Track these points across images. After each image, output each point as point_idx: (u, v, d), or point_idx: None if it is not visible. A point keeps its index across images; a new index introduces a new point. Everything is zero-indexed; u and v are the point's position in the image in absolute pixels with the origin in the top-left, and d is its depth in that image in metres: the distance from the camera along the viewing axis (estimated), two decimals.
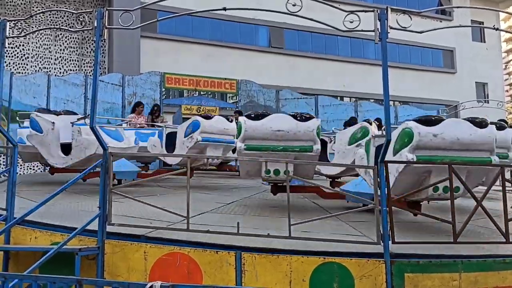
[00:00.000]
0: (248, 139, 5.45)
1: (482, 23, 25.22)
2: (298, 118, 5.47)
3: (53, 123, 7.07)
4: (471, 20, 24.89)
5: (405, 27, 4.16)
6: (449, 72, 25.61)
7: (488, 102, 22.26)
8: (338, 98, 20.75)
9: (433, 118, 4.66)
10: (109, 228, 4.39)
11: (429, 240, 4.33)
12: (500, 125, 5.74)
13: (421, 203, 5.08)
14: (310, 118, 5.53)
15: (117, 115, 11.88)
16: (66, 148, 7.06)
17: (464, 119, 4.80)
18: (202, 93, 16.77)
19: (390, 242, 4.01)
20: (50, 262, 4.09)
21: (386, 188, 4.11)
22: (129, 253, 4.30)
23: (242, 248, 4.16)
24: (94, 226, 4.36)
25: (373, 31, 4.07)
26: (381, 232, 4.03)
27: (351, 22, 4.12)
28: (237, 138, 5.68)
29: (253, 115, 5.54)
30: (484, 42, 26.82)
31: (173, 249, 4.22)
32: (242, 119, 5.59)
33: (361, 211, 4.59)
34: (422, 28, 4.47)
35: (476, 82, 26.02)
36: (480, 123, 4.69)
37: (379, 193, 4.12)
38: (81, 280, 2.80)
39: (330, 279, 4.00)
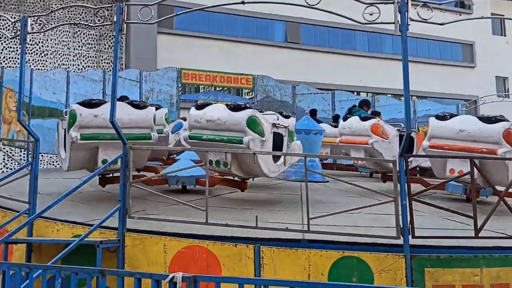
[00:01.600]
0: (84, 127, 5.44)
1: (503, 16, 24.71)
2: (135, 106, 5.77)
3: None
4: (491, 13, 24.41)
5: (426, 19, 4.11)
6: (469, 66, 25.22)
7: (508, 97, 21.86)
8: (355, 93, 20.59)
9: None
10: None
11: (449, 235, 4.28)
12: (235, 106, 5.49)
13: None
14: (145, 106, 5.88)
15: None
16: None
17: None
18: (218, 88, 16.82)
19: (410, 236, 3.98)
20: (71, 255, 4.15)
21: (406, 182, 4.07)
22: (149, 245, 4.34)
23: (260, 241, 4.17)
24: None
25: (393, 23, 4.02)
26: (401, 226, 3.99)
27: (371, 14, 4.07)
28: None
29: (86, 103, 5.58)
30: (505, 35, 26.31)
31: (192, 242, 4.25)
32: (75, 106, 5.50)
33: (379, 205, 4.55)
34: (441, 22, 4.41)
35: (496, 76, 25.55)
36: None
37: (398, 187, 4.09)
38: (103, 271, 2.84)
39: (349, 274, 3.99)
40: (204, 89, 17.19)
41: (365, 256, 4.01)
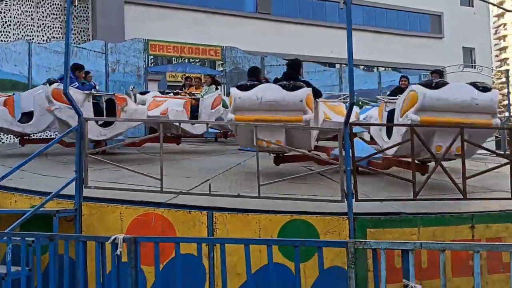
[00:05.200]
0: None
1: None
2: None
3: None
4: None
5: None
6: (437, 37, 25.58)
7: (474, 67, 22.38)
8: (327, 64, 20.69)
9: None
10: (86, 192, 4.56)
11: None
12: None
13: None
14: None
15: (100, 83, 11.84)
16: None
17: None
18: (191, 60, 16.70)
19: (353, 200, 4.22)
20: (31, 225, 4.25)
21: (350, 149, 4.28)
22: (105, 214, 4.48)
23: (214, 207, 4.36)
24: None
25: None
26: (345, 190, 4.22)
27: None
28: None
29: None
30: (472, 6, 26.67)
31: (147, 210, 4.41)
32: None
33: (326, 171, 4.77)
34: None
35: (463, 47, 26.03)
36: None
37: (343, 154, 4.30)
38: (52, 235, 2.97)
39: (297, 235, 4.21)
40: (176, 61, 17.01)
41: (312, 219, 4.25)
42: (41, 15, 18.34)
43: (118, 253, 2.61)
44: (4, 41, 16.71)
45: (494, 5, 7.24)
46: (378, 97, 6.37)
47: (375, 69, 23.05)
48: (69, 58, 4.55)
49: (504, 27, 72.60)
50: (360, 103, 10.02)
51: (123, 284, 2.81)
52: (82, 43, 16.47)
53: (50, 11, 18.46)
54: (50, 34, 18.35)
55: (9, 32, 17.70)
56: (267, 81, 7.18)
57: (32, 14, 18.19)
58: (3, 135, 12.93)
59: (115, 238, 2.61)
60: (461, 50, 25.86)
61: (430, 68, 22.12)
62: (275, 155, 5.99)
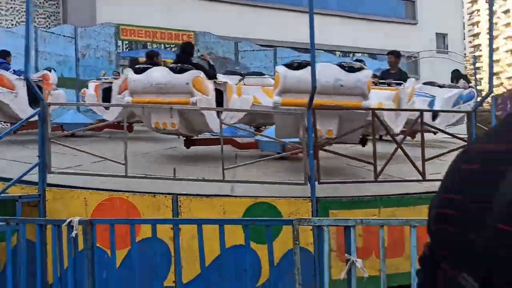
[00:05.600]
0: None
1: None
2: None
3: None
4: None
5: None
6: (410, 23, 25.82)
7: (447, 53, 22.74)
8: (303, 50, 20.68)
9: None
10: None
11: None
12: None
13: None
14: None
15: (71, 68, 11.64)
16: None
17: None
18: (167, 46, 16.49)
19: (316, 182, 4.30)
20: None
21: (313, 133, 4.36)
22: (69, 199, 4.46)
23: (178, 193, 4.38)
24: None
25: None
26: (308, 173, 4.31)
27: None
28: None
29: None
30: None
31: (112, 194, 4.40)
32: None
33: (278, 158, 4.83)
34: None
35: (436, 33, 26.36)
36: None
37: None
38: (7, 219, 2.96)
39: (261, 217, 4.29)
40: (151, 46, 16.74)
41: (276, 201, 4.32)
42: None
43: (74, 235, 2.63)
44: None
45: None
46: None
47: (351, 55, 23.19)
48: (29, 40, 4.46)
49: (477, 13, 73.73)
50: None
51: (79, 267, 2.82)
52: (53, 27, 16.08)
53: None
54: (19, 18, 17.85)
55: None
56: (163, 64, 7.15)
57: None
58: None
59: (70, 221, 2.63)
60: (434, 35, 26.19)
61: (404, 54, 22.46)
62: (185, 138, 6.06)
